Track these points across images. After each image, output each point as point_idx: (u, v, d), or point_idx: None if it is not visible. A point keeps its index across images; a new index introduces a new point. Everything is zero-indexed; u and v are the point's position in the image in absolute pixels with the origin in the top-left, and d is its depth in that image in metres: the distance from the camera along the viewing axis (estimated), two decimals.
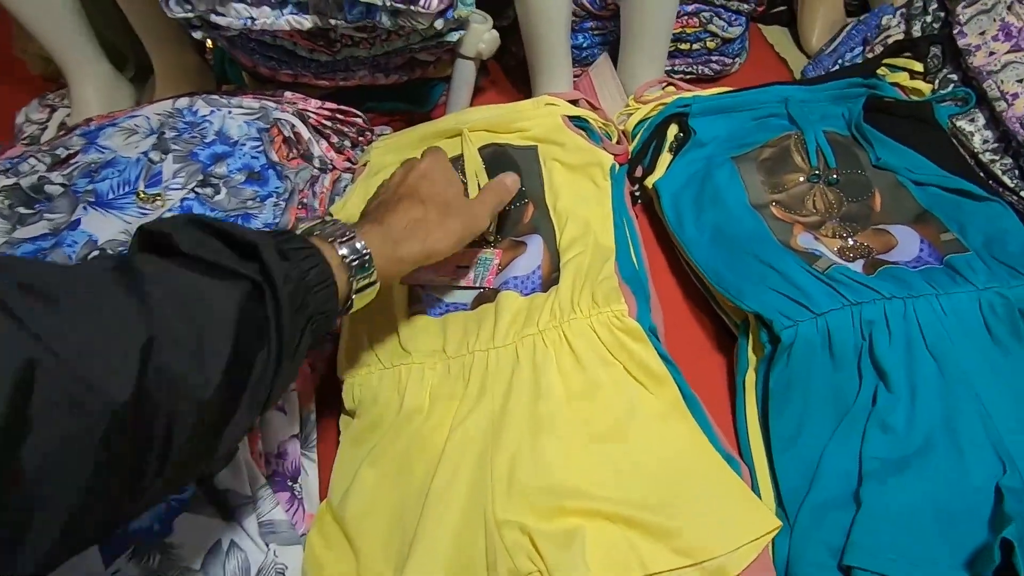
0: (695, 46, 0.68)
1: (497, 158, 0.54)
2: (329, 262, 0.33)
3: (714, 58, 0.69)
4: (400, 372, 0.41)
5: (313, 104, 0.56)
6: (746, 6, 0.65)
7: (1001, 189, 0.51)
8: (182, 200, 0.47)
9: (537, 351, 0.40)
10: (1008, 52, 0.50)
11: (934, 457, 0.36)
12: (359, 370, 0.42)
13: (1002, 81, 0.50)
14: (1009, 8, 0.51)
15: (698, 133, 0.56)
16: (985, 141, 0.52)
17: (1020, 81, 0.49)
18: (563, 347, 0.40)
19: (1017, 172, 0.50)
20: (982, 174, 0.52)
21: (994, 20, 0.51)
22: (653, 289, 0.48)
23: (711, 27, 0.66)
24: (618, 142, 0.57)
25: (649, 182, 0.57)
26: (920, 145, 0.53)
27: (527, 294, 0.44)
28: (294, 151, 0.55)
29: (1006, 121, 0.50)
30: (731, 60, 0.70)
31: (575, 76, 0.70)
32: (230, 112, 0.55)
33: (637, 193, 0.58)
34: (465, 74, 0.65)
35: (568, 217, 0.49)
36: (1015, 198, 0.50)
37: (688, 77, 0.71)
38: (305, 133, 0.54)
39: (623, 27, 0.60)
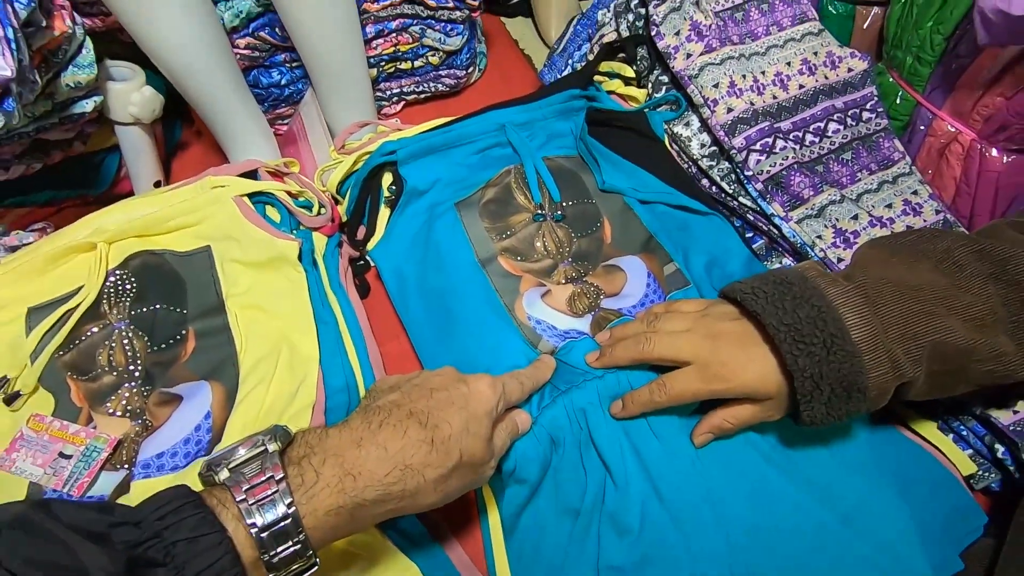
0: (417, 64, 0.60)
1: (149, 274, 0.41)
2: (236, 546, 0.23)
3: (443, 72, 0.62)
4: None
5: None
6: (459, 13, 0.57)
7: (722, 195, 0.48)
8: None
9: None
10: (703, 53, 0.47)
11: (667, 550, 0.33)
12: None
13: (702, 87, 0.47)
14: (696, 4, 0.48)
15: (410, 182, 0.48)
16: (703, 145, 0.49)
17: (716, 86, 0.46)
18: None
19: (734, 176, 0.48)
20: (705, 181, 0.49)
21: (685, 18, 0.48)
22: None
23: (427, 40, 0.58)
24: (318, 211, 0.47)
25: (372, 245, 0.49)
26: (642, 159, 0.50)
27: (184, 466, 0.35)
28: None
29: (712, 128, 0.47)
30: (464, 71, 0.62)
31: (287, 117, 0.60)
32: None
33: (361, 262, 0.49)
34: (132, 142, 0.52)
35: (249, 333, 0.40)
36: (735, 203, 0.47)
37: (423, 96, 0.63)
38: None
39: (307, 69, 0.50)
